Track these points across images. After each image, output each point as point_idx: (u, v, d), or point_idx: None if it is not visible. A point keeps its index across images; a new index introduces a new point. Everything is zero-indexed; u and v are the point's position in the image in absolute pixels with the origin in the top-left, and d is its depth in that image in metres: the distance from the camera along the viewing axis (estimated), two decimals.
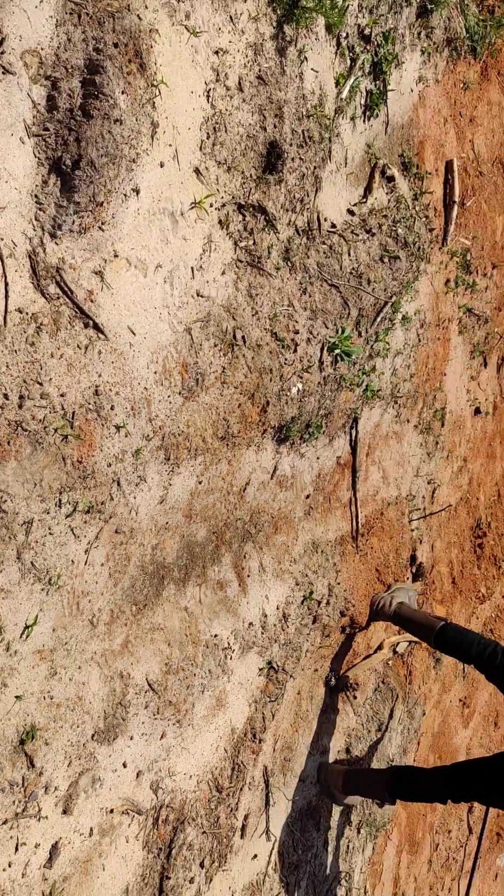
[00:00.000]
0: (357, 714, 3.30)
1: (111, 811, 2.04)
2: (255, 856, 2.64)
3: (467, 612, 4.33)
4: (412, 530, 3.69)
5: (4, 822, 1.74)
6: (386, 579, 3.36)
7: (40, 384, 1.68)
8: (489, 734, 4.79)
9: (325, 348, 2.55)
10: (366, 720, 3.37)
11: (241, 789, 2.53)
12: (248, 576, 2.51)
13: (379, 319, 2.87)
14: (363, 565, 3.19)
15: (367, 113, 2.77)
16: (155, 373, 1.98)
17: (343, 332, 2.60)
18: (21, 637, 1.73)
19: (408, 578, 3.70)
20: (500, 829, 5.02)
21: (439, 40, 3.21)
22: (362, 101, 2.72)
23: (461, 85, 3.49)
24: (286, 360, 2.40)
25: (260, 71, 2.18)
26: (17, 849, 1.79)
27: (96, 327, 1.80)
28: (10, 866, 1.78)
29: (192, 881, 2.35)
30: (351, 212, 2.73)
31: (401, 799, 2.98)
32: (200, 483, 2.23)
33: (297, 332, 2.43)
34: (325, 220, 2.59)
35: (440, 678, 4.08)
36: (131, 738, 2.07)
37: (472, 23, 3.45)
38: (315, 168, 2.47)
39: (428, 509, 3.82)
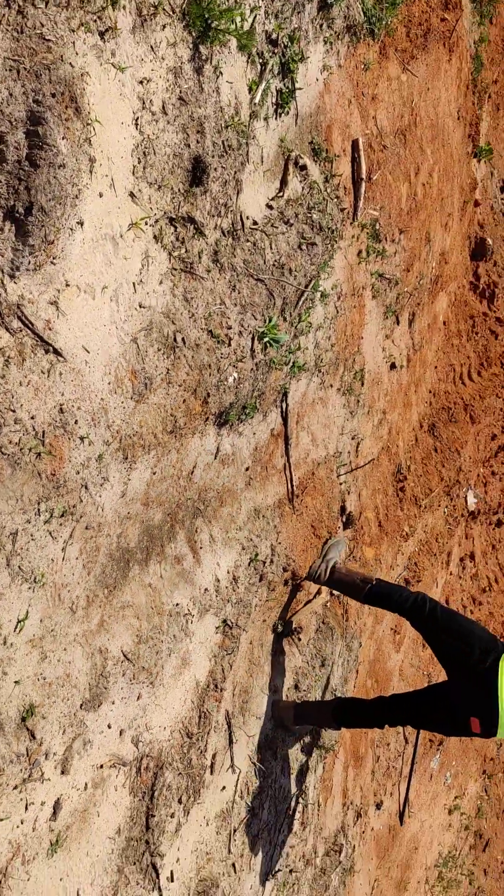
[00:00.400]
0: (302, 654, 3.69)
1: (101, 766, 2.35)
2: (224, 787, 3.01)
3: (393, 550, 4.75)
4: (340, 484, 4.04)
5: (15, 788, 2.03)
6: (321, 532, 3.71)
7: (13, 411, 1.89)
8: (418, 655, 5.30)
9: (256, 338, 2.80)
10: (310, 658, 3.76)
11: (208, 733, 2.88)
12: (201, 548, 2.80)
13: (301, 303, 3.13)
14: (300, 523, 3.52)
15: (279, 111, 2.97)
16: (109, 383, 2.20)
17: (270, 321, 2.85)
18: (15, 631, 1.99)
19: (339, 528, 4.07)
20: (432, 737, 5.61)
21: (340, 28, 3.40)
22: (273, 101, 2.92)
23: (362, 66, 3.69)
24: (222, 353, 2.65)
25: (181, 92, 2.36)
26: (26, 808, 2.08)
27: (56, 352, 2.01)
28: (22, 823, 2.07)
29: (172, 815, 2.70)
30: (270, 206, 2.95)
31: (345, 726, 3.41)
32: (154, 474, 2.49)
33: (229, 328, 2.68)
34: (248, 218, 2.81)
35: (373, 612, 4.52)
36: (113, 703, 2.37)
37: (370, 5, 3.64)
38: (235, 172, 2.68)
39: (354, 463, 4.17)
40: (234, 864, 3.03)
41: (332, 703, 3.46)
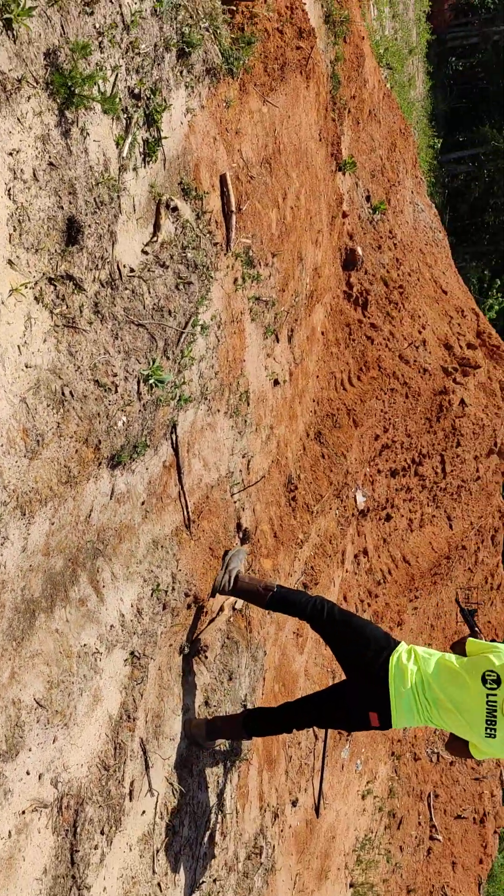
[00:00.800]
0: (210, 670, 3.84)
1: (23, 812, 2.43)
2: (144, 811, 3.13)
3: (290, 558, 4.97)
4: (235, 503, 4.21)
5: None
6: (219, 553, 3.87)
7: None
8: (321, 654, 5.56)
9: (141, 380, 2.92)
10: (218, 673, 3.92)
11: (125, 762, 2.99)
12: (104, 586, 2.90)
13: (182, 340, 3.27)
14: (198, 547, 3.67)
15: (147, 159, 3.09)
16: (2, 445, 2.28)
17: (154, 362, 2.98)
18: None
19: (237, 544, 4.24)
20: (339, 730, 5.88)
21: (200, 72, 3.54)
22: (141, 151, 3.03)
23: (224, 104, 3.85)
24: (110, 401, 2.75)
25: (50, 158, 2.45)
26: None
27: None
28: None
29: (96, 847, 2.80)
30: (146, 252, 3.07)
31: (256, 735, 3.58)
32: (53, 524, 2.57)
33: (115, 375, 2.78)
34: (125, 266, 2.92)
35: (275, 619, 4.72)
36: (30, 750, 2.45)
37: (227, 46, 3.80)
38: (109, 225, 2.78)
39: (246, 481, 4.34)
40: (159, 884, 3.16)
41: (241, 715, 3.64)
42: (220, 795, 3.79)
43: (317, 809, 5.33)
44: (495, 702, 3.10)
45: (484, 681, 3.13)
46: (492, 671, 3.14)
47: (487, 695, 3.11)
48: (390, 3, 13.13)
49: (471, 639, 3.42)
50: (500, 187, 25.89)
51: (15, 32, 2.19)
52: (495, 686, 3.11)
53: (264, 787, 4.45)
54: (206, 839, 3.59)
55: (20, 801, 2.43)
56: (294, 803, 4.94)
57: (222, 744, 3.81)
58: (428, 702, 3.23)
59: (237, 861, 3.99)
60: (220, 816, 3.76)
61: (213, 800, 3.71)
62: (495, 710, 3.10)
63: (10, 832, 2.37)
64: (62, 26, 2.40)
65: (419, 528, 7.90)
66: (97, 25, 2.59)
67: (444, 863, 8.44)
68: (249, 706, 4.11)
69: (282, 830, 4.70)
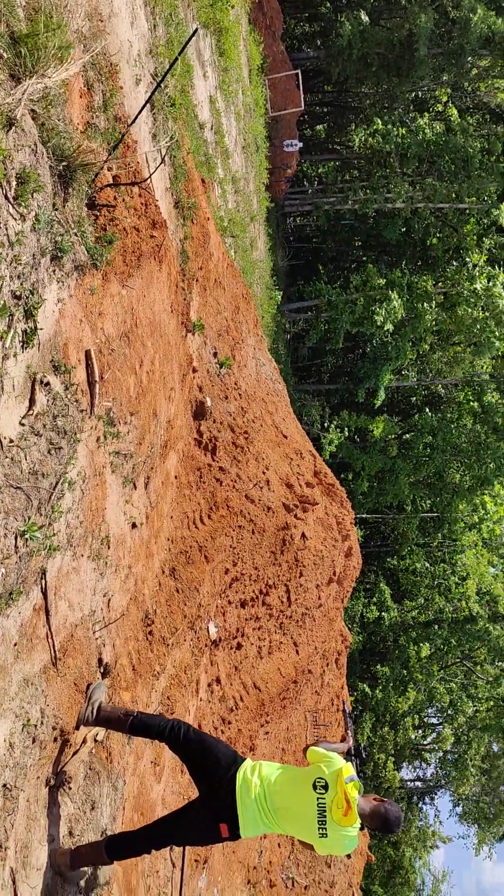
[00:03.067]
0: (73, 801, 4.09)
1: None
2: None
3: (147, 689, 5.33)
4: (97, 639, 4.59)
5: None
6: (82, 687, 4.22)
7: None
8: (178, 781, 5.83)
9: (18, 536, 3.37)
10: (80, 803, 4.18)
11: None
12: None
13: (53, 497, 3.75)
14: (64, 683, 4.01)
15: (25, 346, 3.66)
16: None
17: (29, 519, 3.44)
18: None
19: (98, 677, 4.59)
20: (197, 857, 6.08)
21: (69, 269, 4.21)
22: (20, 340, 3.60)
23: (89, 292, 4.53)
24: None
25: None
26: None
27: None
28: None
29: None
30: (23, 423, 3.59)
31: (117, 859, 3.85)
32: None
33: None
34: (5, 437, 3.42)
35: (133, 750, 5.02)
36: None
37: (91, 245, 4.53)
38: None
39: (106, 618, 4.75)
40: None
41: (103, 842, 3.90)
42: None
43: None
44: (324, 804, 3.59)
45: (315, 787, 3.62)
46: (321, 778, 3.64)
47: (317, 799, 3.60)
48: (233, 180, 14.85)
49: (311, 748, 3.92)
50: (334, 335, 28.50)
51: None
52: (324, 791, 3.61)
53: None
54: None
55: None
56: None
57: (85, 874, 4.02)
58: (269, 811, 3.67)
59: None
60: None
61: None
62: (325, 812, 3.58)
63: None
64: None
65: (268, 654, 8.41)
66: None
67: None
68: (109, 834, 4.35)
69: None
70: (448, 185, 29.85)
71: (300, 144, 29.84)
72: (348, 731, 4.17)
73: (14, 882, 3.35)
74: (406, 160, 30.97)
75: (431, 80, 32.92)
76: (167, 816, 3.97)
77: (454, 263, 31.65)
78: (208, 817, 3.72)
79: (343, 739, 4.14)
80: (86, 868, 3.94)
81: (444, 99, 34.36)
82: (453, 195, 30.17)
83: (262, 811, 3.66)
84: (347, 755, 4.10)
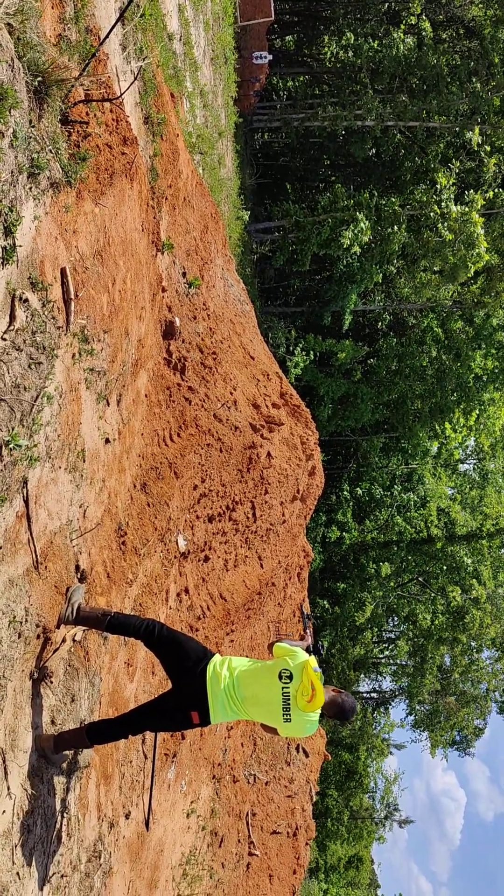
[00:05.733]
0: (55, 694, 4.41)
1: None
2: (4, 811, 3.64)
3: (121, 596, 5.63)
4: (74, 547, 4.83)
5: None
6: (62, 589, 4.48)
7: None
8: (149, 681, 6.21)
9: (3, 446, 3.55)
10: (61, 696, 4.49)
11: None
12: None
13: (33, 410, 3.92)
14: (45, 585, 4.26)
15: (5, 262, 3.75)
16: None
17: (13, 430, 3.61)
18: None
19: (76, 582, 4.85)
20: (167, 751, 6.53)
21: (45, 186, 4.26)
22: (0, 258, 3.70)
23: (64, 210, 4.58)
24: None
25: None
26: None
27: None
28: None
29: None
30: (4, 338, 3.72)
31: (97, 743, 4.20)
32: None
33: None
34: None
35: (109, 650, 5.34)
36: None
37: (66, 162, 4.56)
38: None
39: (82, 528, 4.98)
40: (18, 873, 3.66)
41: (84, 727, 4.25)
42: (65, 801, 4.33)
43: (146, 823, 5.90)
44: (289, 692, 3.96)
45: (280, 677, 3.98)
46: (286, 669, 4.00)
47: (283, 688, 3.97)
48: (201, 94, 14.48)
49: (277, 644, 4.27)
50: (301, 256, 28.28)
51: None
52: (289, 681, 3.97)
53: (101, 799, 5.01)
54: (55, 839, 4.12)
55: None
56: (127, 816, 5.50)
57: (66, 757, 4.37)
58: (237, 699, 4.03)
59: (80, 861, 4.52)
60: (65, 819, 4.30)
61: (59, 805, 4.25)
62: (289, 700, 3.95)
63: None
64: None
65: (234, 567, 8.78)
66: None
67: (262, 876, 9.17)
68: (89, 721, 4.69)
69: (117, 839, 5.24)
70: (419, 102, 29.27)
71: (270, 57, 28.95)
72: (307, 631, 4.55)
73: (4, 760, 3.66)
74: (377, 75, 30.23)
75: None
76: (143, 706, 4.32)
77: (422, 185, 31.33)
78: (181, 705, 4.07)
79: (302, 638, 4.50)
80: (67, 752, 4.28)
81: (418, 11, 33.31)
82: (424, 113, 29.62)
83: (231, 699, 4.02)
84: (307, 651, 4.46)
